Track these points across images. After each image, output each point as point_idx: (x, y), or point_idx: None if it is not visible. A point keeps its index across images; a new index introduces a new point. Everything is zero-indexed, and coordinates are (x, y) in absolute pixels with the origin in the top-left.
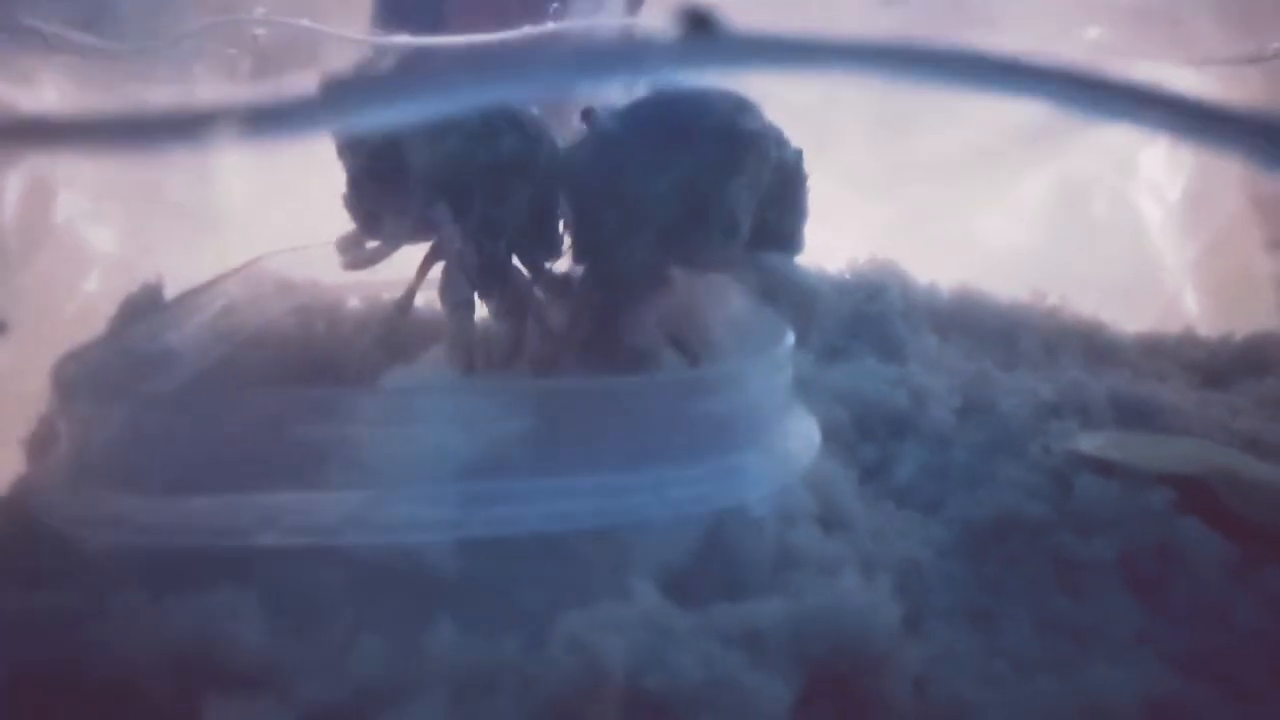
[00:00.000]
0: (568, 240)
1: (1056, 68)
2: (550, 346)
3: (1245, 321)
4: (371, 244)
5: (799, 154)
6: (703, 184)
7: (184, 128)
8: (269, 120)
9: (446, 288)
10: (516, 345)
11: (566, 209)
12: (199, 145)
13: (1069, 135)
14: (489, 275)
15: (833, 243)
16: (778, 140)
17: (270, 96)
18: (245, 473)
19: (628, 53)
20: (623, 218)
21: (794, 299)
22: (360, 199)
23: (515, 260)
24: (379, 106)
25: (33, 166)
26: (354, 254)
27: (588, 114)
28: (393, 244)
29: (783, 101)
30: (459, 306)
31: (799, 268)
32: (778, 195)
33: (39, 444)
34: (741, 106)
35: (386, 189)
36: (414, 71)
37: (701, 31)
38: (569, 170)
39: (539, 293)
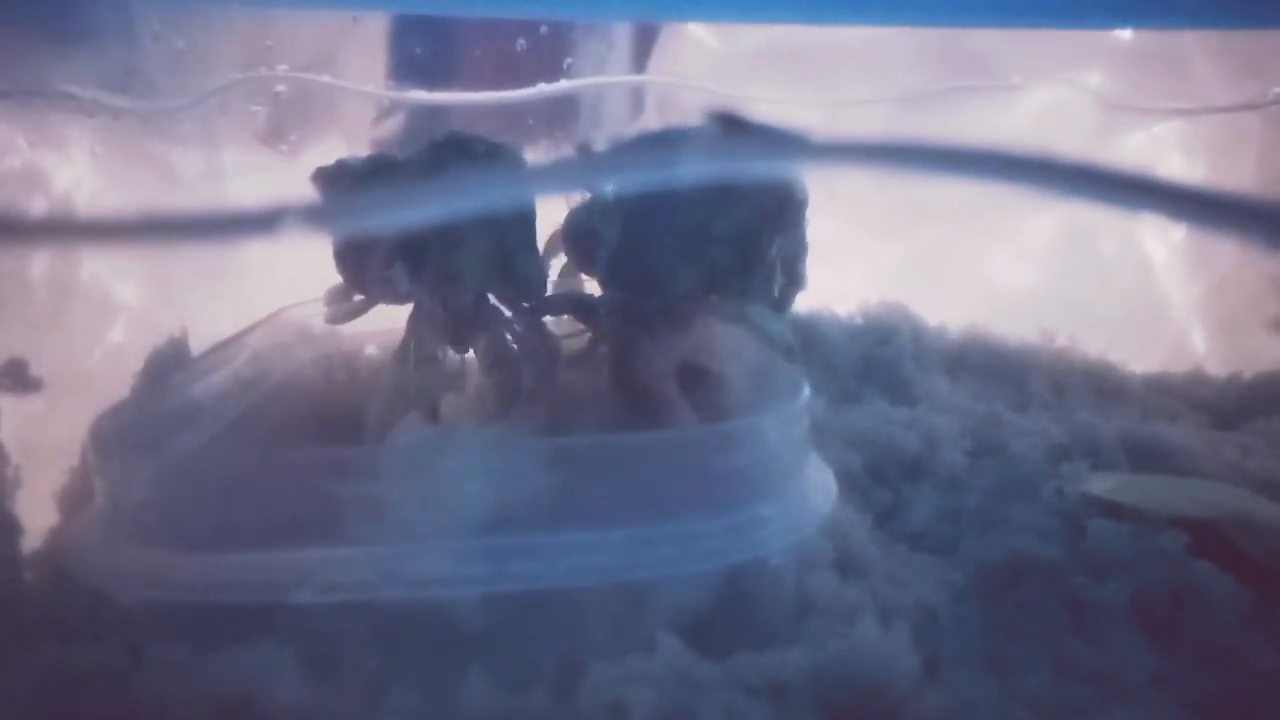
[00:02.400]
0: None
1: (1060, 161)
2: (541, 384)
3: (1253, 359)
4: (356, 298)
5: (802, 188)
6: (755, 233)
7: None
8: None
9: (415, 344)
10: (509, 396)
11: (609, 237)
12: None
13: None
14: (460, 327)
15: (842, 283)
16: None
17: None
18: (277, 529)
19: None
20: (675, 252)
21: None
22: (344, 257)
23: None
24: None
25: (58, 213)
26: (335, 308)
27: (583, 148)
28: (365, 304)
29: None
30: (422, 364)
31: (777, 319)
32: (791, 232)
33: (72, 498)
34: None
35: (363, 248)
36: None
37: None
38: (627, 202)
39: (524, 332)
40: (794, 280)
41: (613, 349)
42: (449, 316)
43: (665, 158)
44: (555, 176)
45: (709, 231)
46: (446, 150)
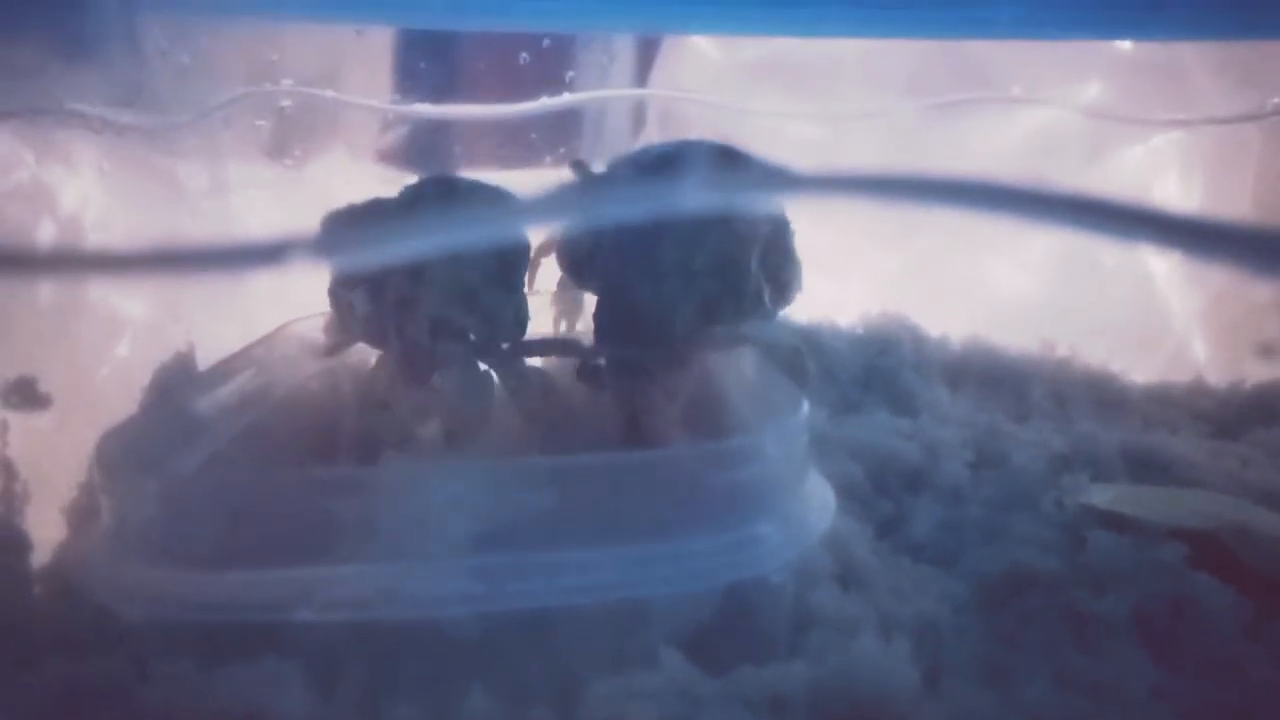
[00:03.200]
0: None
1: (1050, 191)
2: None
3: (1253, 371)
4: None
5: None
6: (736, 256)
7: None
8: None
9: (377, 376)
10: (459, 435)
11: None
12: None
13: (1074, 183)
14: (416, 358)
15: (843, 292)
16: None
17: None
18: (280, 548)
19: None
20: (665, 295)
21: (781, 359)
22: (333, 293)
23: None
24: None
25: (67, 230)
26: (329, 340)
27: (577, 165)
28: (348, 339)
29: (792, 151)
30: (377, 399)
31: (776, 326)
32: (771, 244)
33: (79, 513)
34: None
35: (346, 285)
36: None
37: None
38: (589, 257)
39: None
40: (781, 293)
41: (622, 406)
42: (404, 347)
43: (652, 188)
44: (541, 209)
45: (692, 267)
46: (429, 187)
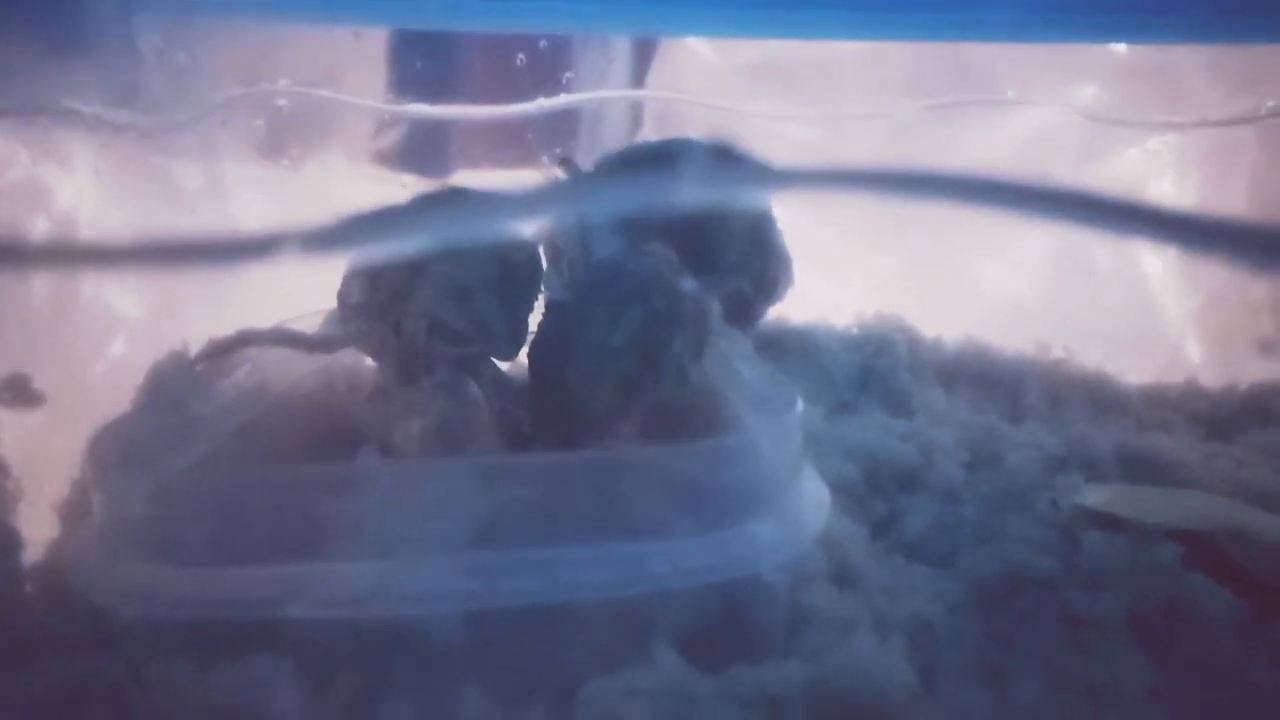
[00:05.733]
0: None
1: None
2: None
3: (1247, 372)
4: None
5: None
6: (653, 337)
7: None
8: None
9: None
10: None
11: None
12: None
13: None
14: (410, 359)
15: (840, 294)
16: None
17: None
18: (273, 545)
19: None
20: (583, 373)
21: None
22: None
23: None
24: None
25: (60, 225)
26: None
27: (566, 162)
28: (341, 340)
29: (789, 152)
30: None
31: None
32: (754, 241)
33: (72, 510)
34: (679, 272)
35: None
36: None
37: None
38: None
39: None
40: (767, 292)
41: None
42: (399, 345)
43: (643, 183)
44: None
45: (610, 344)
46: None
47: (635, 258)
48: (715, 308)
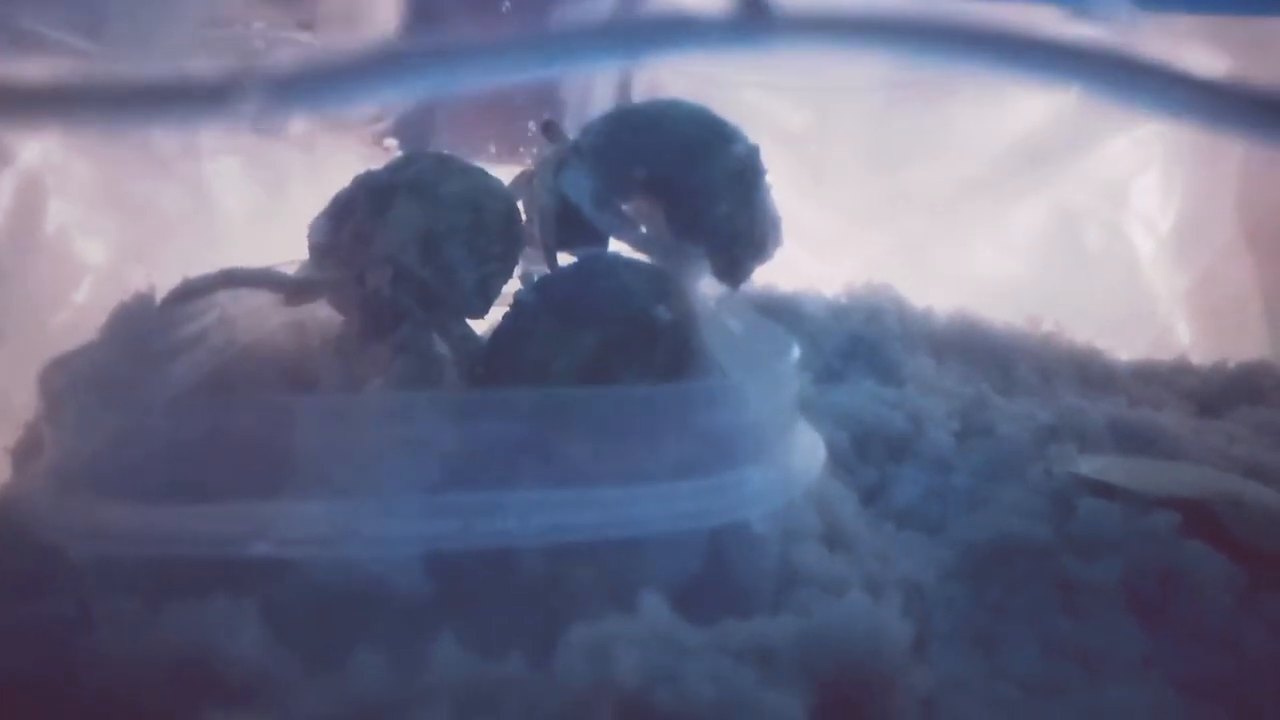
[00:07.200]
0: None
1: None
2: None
3: (1237, 351)
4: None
5: (753, 150)
6: (603, 367)
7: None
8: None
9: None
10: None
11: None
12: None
13: (1061, 166)
14: (375, 309)
15: (829, 271)
16: (732, 135)
17: None
18: (236, 482)
19: (678, 28)
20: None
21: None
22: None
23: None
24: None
25: (24, 174)
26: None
27: (548, 126)
28: (324, 285)
29: (779, 132)
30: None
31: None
32: (735, 196)
33: (25, 452)
34: (664, 294)
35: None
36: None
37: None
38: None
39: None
40: (756, 250)
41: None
42: (363, 296)
43: (638, 37)
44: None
45: (550, 368)
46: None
47: (610, 269)
48: (702, 264)
